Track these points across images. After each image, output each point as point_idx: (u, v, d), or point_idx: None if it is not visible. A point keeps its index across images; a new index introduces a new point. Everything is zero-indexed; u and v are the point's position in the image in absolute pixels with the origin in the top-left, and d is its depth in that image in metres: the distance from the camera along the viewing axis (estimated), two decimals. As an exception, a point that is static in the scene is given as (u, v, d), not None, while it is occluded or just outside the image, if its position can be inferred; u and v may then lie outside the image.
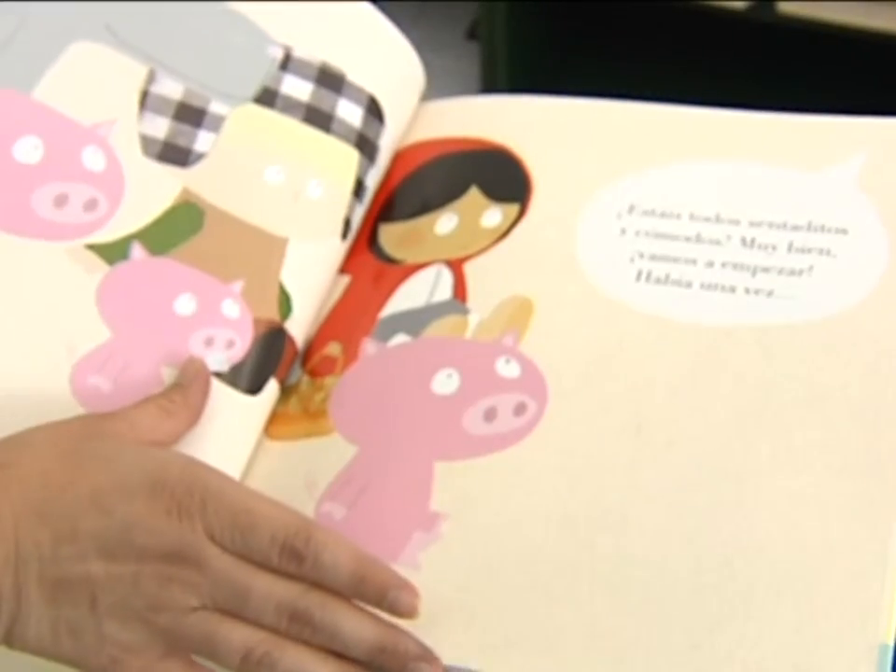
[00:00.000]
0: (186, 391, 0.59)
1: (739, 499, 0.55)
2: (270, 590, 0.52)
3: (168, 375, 0.60)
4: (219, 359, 0.61)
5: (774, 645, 0.52)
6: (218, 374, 0.61)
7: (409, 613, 0.53)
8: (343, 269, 0.68)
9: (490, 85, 1.63)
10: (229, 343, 0.62)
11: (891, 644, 0.51)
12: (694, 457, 0.57)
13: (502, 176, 0.68)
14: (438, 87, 0.76)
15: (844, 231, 0.63)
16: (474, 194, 0.69)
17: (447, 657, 0.54)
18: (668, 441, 0.57)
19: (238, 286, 0.63)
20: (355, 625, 0.53)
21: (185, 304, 0.62)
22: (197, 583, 0.52)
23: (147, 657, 0.52)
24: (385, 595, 0.53)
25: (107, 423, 0.57)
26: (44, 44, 0.66)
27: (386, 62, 0.72)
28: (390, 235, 0.69)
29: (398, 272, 0.67)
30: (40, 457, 0.54)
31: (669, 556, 0.54)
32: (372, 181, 0.70)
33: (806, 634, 0.52)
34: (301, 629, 0.52)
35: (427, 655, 0.53)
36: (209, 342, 0.62)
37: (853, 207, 0.63)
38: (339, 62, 0.69)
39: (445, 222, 0.68)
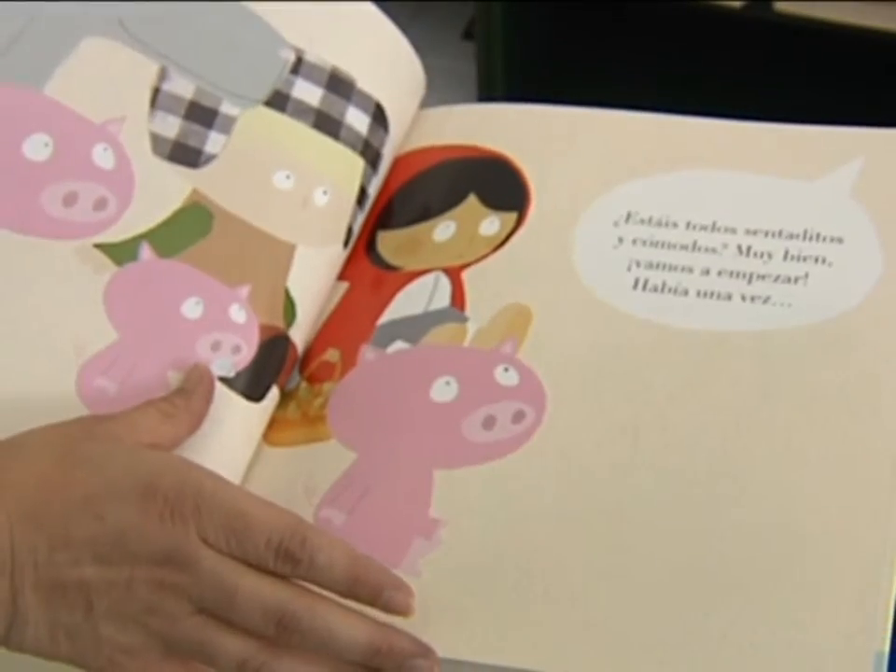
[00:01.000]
0: (189, 396, 0.59)
1: (736, 498, 0.56)
2: (256, 594, 0.52)
3: (174, 379, 0.60)
4: (226, 364, 0.61)
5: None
6: (223, 380, 0.61)
7: (404, 612, 0.53)
8: (341, 276, 0.68)
9: (487, 85, 1.63)
10: (235, 348, 0.62)
11: (887, 651, 0.51)
12: (692, 463, 0.57)
13: (500, 184, 0.69)
14: (434, 87, 0.76)
15: (839, 240, 0.63)
16: (472, 202, 0.69)
17: (445, 654, 0.54)
18: (666, 447, 0.58)
19: (245, 290, 0.63)
20: (347, 629, 0.53)
21: (192, 308, 0.62)
22: (189, 587, 0.52)
23: (145, 659, 0.52)
24: (380, 595, 0.53)
25: (105, 425, 0.56)
26: (56, 39, 0.65)
27: (392, 68, 0.72)
28: (388, 242, 0.69)
29: (396, 279, 0.67)
30: (35, 461, 0.54)
31: (665, 549, 0.55)
32: (374, 189, 0.70)
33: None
34: (290, 636, 0.52)
35: (423, 651, 0.53)
36: (216, 346, 0.61)
37: (848, 216, 0.64)
38: (348, 66, 0.69)
39: (443, 230, 0.68)
